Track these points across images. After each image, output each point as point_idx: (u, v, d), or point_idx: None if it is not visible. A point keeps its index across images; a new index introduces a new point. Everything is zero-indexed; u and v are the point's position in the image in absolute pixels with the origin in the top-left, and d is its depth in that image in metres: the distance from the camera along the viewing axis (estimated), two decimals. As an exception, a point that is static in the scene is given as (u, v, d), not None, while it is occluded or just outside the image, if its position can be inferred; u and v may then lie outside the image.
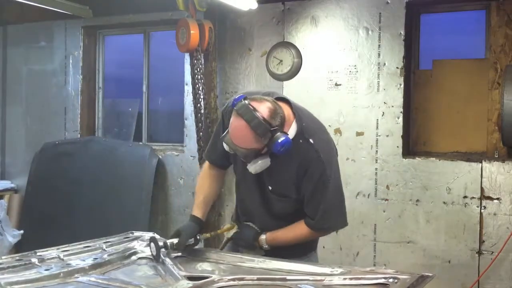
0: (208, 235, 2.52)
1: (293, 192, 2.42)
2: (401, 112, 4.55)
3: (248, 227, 2.54)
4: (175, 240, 2.36)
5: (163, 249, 2.31)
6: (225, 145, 2.32)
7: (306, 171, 2.35)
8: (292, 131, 2.32)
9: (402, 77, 4.55)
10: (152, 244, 2.32)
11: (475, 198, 4.32)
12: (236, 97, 2.29)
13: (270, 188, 2.46)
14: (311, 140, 2.35)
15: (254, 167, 2.30)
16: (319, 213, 2.40)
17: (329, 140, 2.51)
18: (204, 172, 2.70)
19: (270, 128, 2.19)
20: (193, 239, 2.41)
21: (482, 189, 4.30)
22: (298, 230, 2.48)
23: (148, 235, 2.63)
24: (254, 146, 2.21)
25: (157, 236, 2.42)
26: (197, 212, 2.59)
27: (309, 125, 2.39)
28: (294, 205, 2.47)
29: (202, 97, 4.87)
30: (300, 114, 2.38)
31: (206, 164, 2.69)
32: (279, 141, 2.19)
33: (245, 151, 2.24)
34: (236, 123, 2.21)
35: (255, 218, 2.56)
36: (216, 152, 2.58)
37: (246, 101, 2.21)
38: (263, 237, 2.48)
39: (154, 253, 2.32)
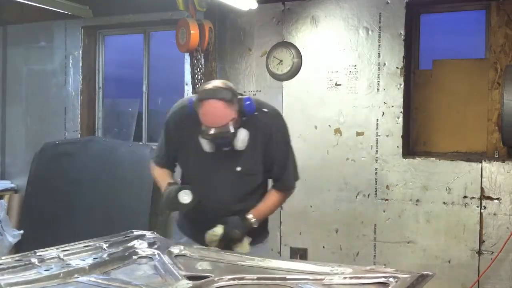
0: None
1: (260, 165, 2.62)
2: (401, 112, 4.56)
3: (231, 218, 2.59)
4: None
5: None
6: (204, 143, 2.50)
7: (271, 137, 2.60)
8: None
9: (402, 77, 4.55)
10: (187, 191, 2.48)
11: (475, 198, 4.32)
12: (188, 101, 2.53)
13: (238, 169, 2.59)
14: (265, 109, 2.62)
15: (242, 140, 2.49)
16: (286, 171, 2.66)
17: (278, 111, 2.76)
18: (159, 169, 2.85)
19: (233, 92, 2.44)
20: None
21: (482, 189, 4.30)
22: (272, 198, 2.71)
23: (147, 234, 2.64)
24: (230, 116, 2.40)
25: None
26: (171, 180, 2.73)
27: (256, 99, 2.63)
28: (258, 179, 2.66)
29: (202, 97, 4.86)
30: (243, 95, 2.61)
31: (156, 166, 2.86)
32: (245, 100, 2.47)
33: (226, 128, 2.40)
34: (206, 106, 2.39)
35: (211, 210, 2.63)
36: (162, 153, 2.81)
37: (199, 89, 2.49)
38: (249, 216, 2.60)
39: (190, 200, 2.45)
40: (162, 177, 2.78)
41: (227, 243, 2.57)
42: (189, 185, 2.57)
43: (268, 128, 2.60)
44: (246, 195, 2.66)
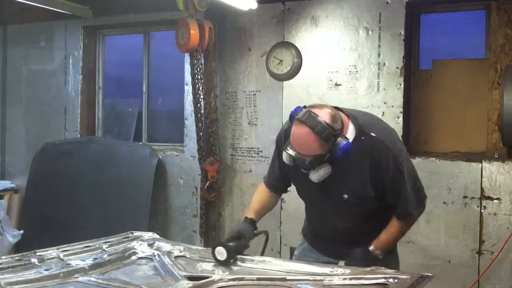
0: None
1: (370, 191, 2.41)
2: (401, 112, 4.55)
3: (354, 251, 2.45)
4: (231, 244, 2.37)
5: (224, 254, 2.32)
6: (285, 157, 2.37)
7: (379, 164, 2.37)
8: (350, 132, 2.35)
9: (402, 77, 4.55)
10: (221, 249, 2.31)
11: (475, 198, 4.32)
12: (291, 112, 2.35)
13: (345, 196, 2.43)
14: (372, 134, 2.38)
15: (317, 175, 2.32)
16: (402, 198, 2.43)
17: (389, 128, 2.58)
18: (262, 188, 2.73)
19: (333, 133, 2.22)
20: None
21: (482, 189, 4.30)
22: (393, 226, 2.49)
23: (148, 235, 2.64)
24: (318, 152, 2.23)
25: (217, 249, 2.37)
26: (253, 215, 2.60)
27: (365, 121, 2.44)
28: (371, 206, 2.47)
29: (202, 97, 4.87)
30: (352, 113, 2.42)
31: (263, 185, 2.73)
32: (341, 145, 2.24)
33: (309, 159, 2.25)
34: (299, 130, 2.24)
35: (329, 235, 2.58)
36: (274, 175, 2.67)
37: (307, 108, 2.28)
38: (371, 247, 2.44)
39: (223, 259, 2.31)
40: (255, 202, 2.68)
41: None
42: (231, 244, 2.38)
43: (377, 154, 2.37)
44: (359, 222, 2.52)
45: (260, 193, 2.72)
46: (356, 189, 2.42)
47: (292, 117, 2.31)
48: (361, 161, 2.36)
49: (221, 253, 2.31)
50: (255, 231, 2.51)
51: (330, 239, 2.59)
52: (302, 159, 2.27)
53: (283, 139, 2.51)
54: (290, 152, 2.28)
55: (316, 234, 2.71)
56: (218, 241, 2.42)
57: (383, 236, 2.48)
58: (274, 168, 2.66)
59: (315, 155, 2.25)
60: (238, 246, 2.37)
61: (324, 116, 2.24)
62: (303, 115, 2.25)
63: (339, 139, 2.25)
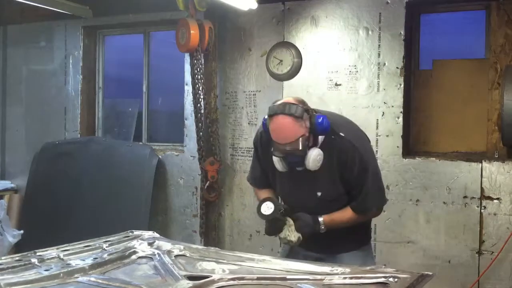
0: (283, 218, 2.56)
1: (340, 188, 2.54)
2: (401, 112, 4.55)
3: (303, 214, 2.56)
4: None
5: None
6: (276, 161, 2.48)
7: (346, 163, 2.49)
8: None
9: (402, 77, 4.55)
10: (270, 204, 2.46)
11: (475, 198, 4.32)
12: (263, 119, 2.50)
13: (319, 194, 2.55)
14: (341, 134, 2.49)
15: (312, 160, 2.40)
16: (361, 195, 2.54)
17: (358, 129, 2.68)
18: (256, 190, 2.89)
19: (303, 107, 2.36)
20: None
21: (482, 189, 4.30)
22: (348, 213, 2.59)
23: (148, 234, 2.64)
24: (299, 132, 2.33)
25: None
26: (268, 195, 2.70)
27: (336, 121, 2.54)
28: (343, 201, 2.58)
29: (202, 97, 4.87)
30: (324, 113, 2.51)
31: (255, 188, 2.88)
32: (317, 118, 2.37)
33: (296, 145, 2.33)
34: (275, 122, 2.36)
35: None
36: (256, 176, 2.80)
37: (270, 105, 2.42)
38: (320, 219, 2.53)
39: (270, 212, 2.43)
40: (261, 194, 2.76)
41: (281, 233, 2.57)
42: (276, 200, 2.56)
43: (344, 154, 2.48)
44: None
45: (260, 193, 2.81)
46: (327, 187, 2.54)
47: (264, 123, 2.46)
48: (330, 160, 2.47)
49: (268, 206, 2.46)
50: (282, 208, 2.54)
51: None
52: (291, 152, 2.36)
53: (259, 142, 2.68)
54: (278, 153, 2.39)
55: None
56: (266, 197, 2.55)
57: (336, 216, 2.57)
58: (255, 169, 2.80)
59: (299, 138, 2.33)
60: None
61: (287, 100, 2.39)
62: (271, 109, 2.38)
63: (313, 114, 2.39)
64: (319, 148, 2.45)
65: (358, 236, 2.72)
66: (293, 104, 2.35)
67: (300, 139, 2.34)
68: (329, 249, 2.63)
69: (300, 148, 2.35)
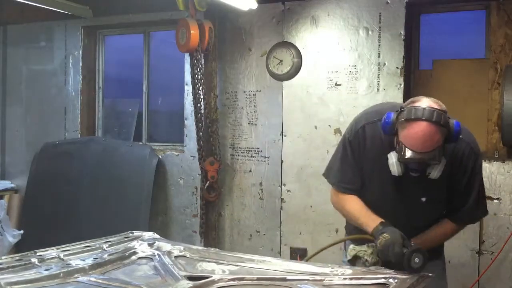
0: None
1: (444, 193, 2.37)
2: (401, 112, 4.55)
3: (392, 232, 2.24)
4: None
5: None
6: (392, 165, 2.23)
7: (460, 165, 2.33)
8: None
9: (402, 77, 4.55)
10: (419, 256, 2.13)
11: (475, 198, 4.32)
12: (384, 119, 2.23)
13: (423, 199, 2.37)
14: (461, 136, 2.27)
15: (439, 171, 2.21)
16: (468, 204, 2.38)
17: (470, 131, 2.50)
18: (347, 197, 2.52)
19: (446, 115, 2.16)
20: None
21: (482, 189, 4.30)
22: (445, 227, 2.44)
23: (148, 234, 2.64)
24: (439, 142, 2.13)
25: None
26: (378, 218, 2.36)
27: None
28: (441, 209, 2.43)
29: (202, 97, 4.87)
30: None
31: (340, 193, 2.54)
32: (456, 125, 2.18)
33: (431, 155, 2.13)
34: (416, 129, 2.11)
35: None
36: (346, 179, 2.49)
37: (408, 107, 2.17)
38: (412, 243, 2.24)
39: (420, 265, 2.12)
40: (360, 209, 2.43)
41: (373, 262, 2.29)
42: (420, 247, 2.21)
43: (460, 155, 2.32)
44: (428, 225, 2.45)
45: (353, 203, 2.49)
46: (434, 191, 2.35)
47: (387, 123, 2.22)
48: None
49: (420, 258, 2.12)
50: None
51: None
52: (427, 158, 2.14)
53: (360, 139, 2.41)
54: (412, 155, 2.12)
55: None
56: (414, 248, 2.16)
57: (429, 236, 2.39)
58: (347, 169, 2.48)
59: (436, 148, 2.13)
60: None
61: (429, 103, 2.17)
62: (413, 113, 2.13)
63: (450, 120, 2.18)
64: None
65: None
66: (440, 111, 2.15)
67: (438, 148, 2.14)
68: None
69: (437, 159, 2.16)
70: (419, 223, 2.44)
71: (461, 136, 2.26)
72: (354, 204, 2.47)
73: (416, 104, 2.18)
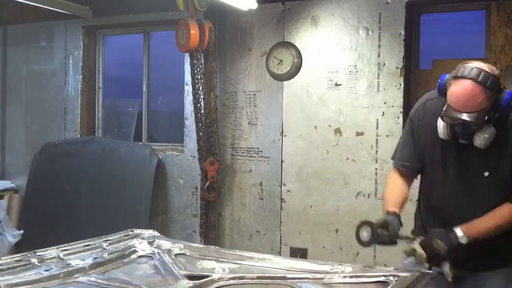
0: (409, 237, 2.28)
1: (509, 170, 2.21)
2: (401, 112, 4.55)
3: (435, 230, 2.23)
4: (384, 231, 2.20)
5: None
6: (441, 127, 2.19)
7: None
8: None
9: (402, 77, 4.55)
10: (369, 229, 2.16)
11: (475, 198, 4.31)
12: (439, 80, 2.21)
13: (486, 174, 2.23)
14: None
15: (483, 138, 2.13)
16: None
17: None
18: (394, 179, 2.50)
19: (495, 80, 2.09)
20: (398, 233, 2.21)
21: (482, 189, 4.29)
22: (503, 212, 2.22)
23: (148, 232, 2.64)
24: (483, 105, 2.06)
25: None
26: (395, 208, 2.34)
27: None
28: (508, 188, 2.23)
29: (202, 97, 4.87)
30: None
31: (394, 173, 2.51)
32: (508, 94, 2.09)
33: (473, 118, 2.06)
34: (461, 86, 2.08)
35: (454, 223, 2.25)
36: (407, 154, 2.45)
37: (459, 65, 2.15)
38: (457, 229, 2.17)
39: (368, 239, 2.17)
40: (391, 195, 2.43)
41: (425, 257, 2.18)
42: (381, 221, 2.22)
43: None
44: (492, 206, 2.24)
45: (393, 185, 2.48)
46: (498, 167, 2.22)
47: (441, 85, 2.20)
48: (506, 137, 2.19)
49: (368, 232, 2.17)
50: (399, 234, 2.25)
51: (453, 223, 2.24)
52: (465, 122, 2.09)
53: (419, 115, 2.40)
54: (454, 114, 2.09)
55: (436, 216, 2.43)
56: (365, 221, 2.20)
57: (481, 223, 2.21)
58: (406, 147, 2.46)
59: (480, 111, 2.06)
60: (382, 234, 2.19)
61: (481, 66, 2.11)
62: (460, 71, 2.11)
63: (503, 88, 2.11)
64: (492, 124, 2.14)
65: (505, 249, 2.31)
66: (487, 72, 2.07)
67: (481, 112, 2.06)
68: (469, 266, 2.28)
69: (477, 122, 2.08)
70: (480, 204, 2.27)
71: None
72: (393, 183, 2.47)
73: (468, 64, 2.14)
